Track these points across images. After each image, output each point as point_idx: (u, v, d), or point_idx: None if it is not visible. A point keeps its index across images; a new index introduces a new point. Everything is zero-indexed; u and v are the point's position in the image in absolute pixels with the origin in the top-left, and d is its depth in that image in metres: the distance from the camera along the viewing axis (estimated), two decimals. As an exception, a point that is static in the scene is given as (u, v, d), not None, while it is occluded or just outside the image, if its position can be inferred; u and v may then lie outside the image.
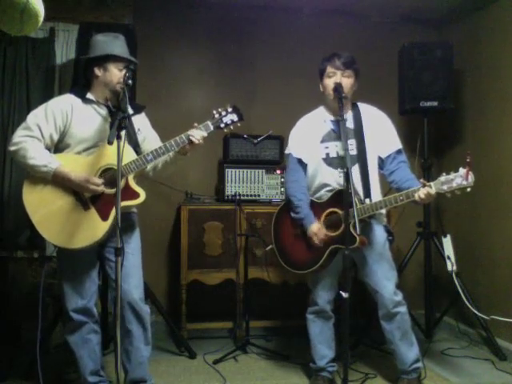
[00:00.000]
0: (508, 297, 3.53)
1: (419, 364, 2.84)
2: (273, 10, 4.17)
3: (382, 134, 2.77)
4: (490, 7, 3.82)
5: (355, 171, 2.69)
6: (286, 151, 2.95)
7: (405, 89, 3.77)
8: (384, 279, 2.73)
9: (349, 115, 2.79)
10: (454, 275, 3.53)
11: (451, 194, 2.41)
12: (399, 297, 2.76)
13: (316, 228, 2.71)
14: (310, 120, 2.90)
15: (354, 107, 2.82)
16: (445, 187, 2.40)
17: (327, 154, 2.77)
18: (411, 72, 3.73)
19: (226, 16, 4.14)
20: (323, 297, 2.84)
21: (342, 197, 2.54)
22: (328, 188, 2.76)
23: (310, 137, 2.83)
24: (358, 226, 2.29)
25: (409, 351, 2.80)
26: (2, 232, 3.55)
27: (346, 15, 4.23)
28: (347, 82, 2.70)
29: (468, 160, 2.32)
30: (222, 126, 2.54)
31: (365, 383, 2.99)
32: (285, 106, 4.17)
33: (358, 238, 2.53)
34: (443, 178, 2.41)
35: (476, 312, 3.48)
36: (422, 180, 2.49)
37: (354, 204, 2.34)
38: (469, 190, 2.36)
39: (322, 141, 2.79)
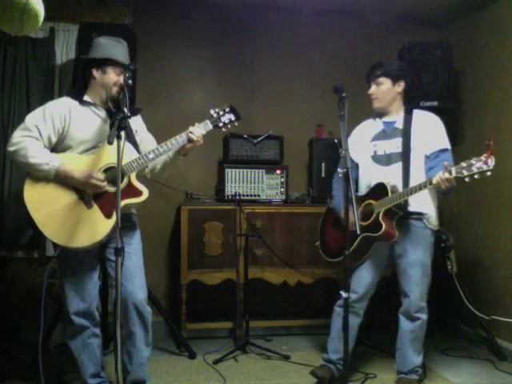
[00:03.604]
0: (508, 297, 3.53)
1: (420, 369, 2.87)
2: (273, 10, 4.17)
3: (429, 133, 2.84)
4: (489, 7, 3.82)
5: (397, 168, 2.80)
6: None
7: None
8: (414, 284, 2.79)
9: (399, 117, 2.90)
10: (453, 275, 3.53)
11: (470, 179, 2.40)
12: (424, 303, 2.82)
13: (344, 213, 2.76)
14: (365, 123, 3.06)
15: (409, 112, 2.92)
16: (465, 172, 2.41)
17: (375, 152, 2.90)
18: (411, 72, 3.73)
19: (225, 16, 4.14)
20: (358, 293, 2.85)
21: (379, 190, 2.74)
22: (374, 184, 2.84)
23: (362, 137, 2.98)
24: (357, 225, 2.30)
25: (413, 357, 2.83)
26: (2, 232, 3.55)
27: (346, 15, 4.23)
28: (382, 88, 2.87)
29: (487, 142, 2.33)
30: (221, 125, 2.58)
31: (365, 383, 2.99)
32: (285, 106, 4.18)
33: (383, 226, 2.64)
34: (464, 163, 2.43)
35: (476, 312, 3.48)
36: (446, 163, 2.51)
37: (354, 203, 2.34)
38: (489, 174, 2.36)
39: (372, 139, 2.93)
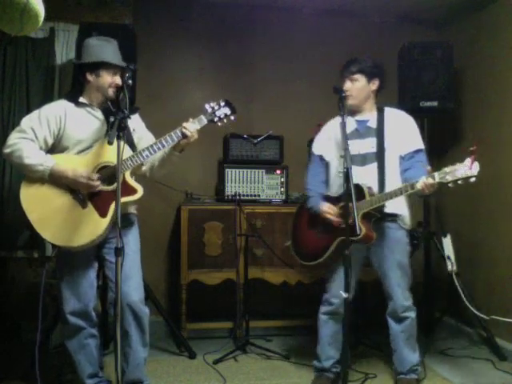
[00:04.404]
0: (508, 297, 3.53)
1: (418, 367, 2.88)
2: (273, 10, 4.17)
3: (402, 133, 2.81)
4: (489, 7, 3.82)
5: (373, 169, 2.75)
6: (311, 150, 3.07)
7: (405, 89, 3.77)
8: (396, 285, 2.78)
9: (373, 116, 2.86)
10: (453, 275, 3.53)
11: (453, 184, 2.38)
12: (409, 302, 2.80)
13: (326, 206, 2.78)
14: (335, 121, 2.97)
15: (380, 110, 2.88)
16: (448, 177, 2.38)
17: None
18: (411, 72, 3.73)
19: (225, 16, 4.14)
20: (340, 298, 2.82)
21: (356, 192, 2.59)
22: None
23: (333, 135, 2.90)
24: (357, 225, 2.30)
25: (410, 355, 2.83)
26: (1, 232, 3.55)
27: (346, 15, 4.23)
28: (356, 85, 2.80)
29: (471, 149, 2.29)
30: (216, 119, 2.56)
31: (365, 383, 2.99)
32: (285, 106, 4.17)
33: (362, 229, 2.55)
34: (448, 168, 2.40)
35: (476, 312, 3.48)
36: (428, 168, 2.50)
37: (354, 203, 2.34)
38: (473, 180, 2.31)
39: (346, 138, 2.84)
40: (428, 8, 4.09)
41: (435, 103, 3.71)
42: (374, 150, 2.79)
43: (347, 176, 2.39)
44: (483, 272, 3.82)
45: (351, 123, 2.87)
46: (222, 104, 2.57)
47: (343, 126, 2.61)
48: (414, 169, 2.71)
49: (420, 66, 3.72)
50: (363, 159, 2.79)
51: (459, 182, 2.35)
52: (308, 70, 4.19)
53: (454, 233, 3.74)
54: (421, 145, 2.81)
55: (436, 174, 2.43)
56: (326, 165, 2.93)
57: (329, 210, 2.77)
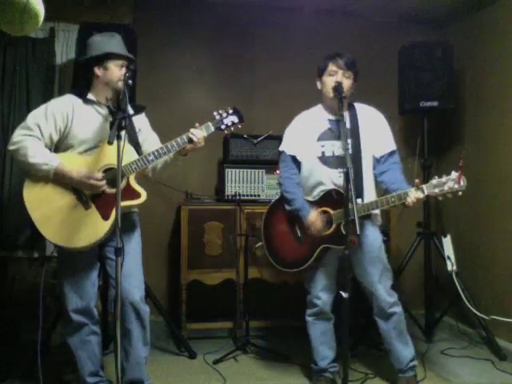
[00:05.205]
0: (508, 297, 3.53)
1: (415, 362, 2.87)
2: (273, 10, 4.17)
3: (377, 134, 2.78)
4: (489, 7, 3.82)
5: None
6: (280, 148, 2.94)
7: (405, 89, 3.77)
8: (377, 282, 2.75)
9: (345, 115, 2.77)
10: (453, 275, 3.53)
11: (443, 197, 2.41)
12: (394, 298, 2.78)
13: (314, 216, 2.70)
14: (306, 118, 2.90)
15: (351, 107, 2.83)
16: (436, 190, 2.40)
17: (323, 153, 2.77)
18: (411, 72, 3.73)
19: (226, 16, 4.14)
20: (322, 298, 2.84)
21: (333, 196, 2.62)
22: (322, 187, 2.75)
23: (306, 134, 2.83)
24: (357, 226, 2.30)
25: (404, 350, 2.82)
26: (1, 232, 3.55)
27: (346, 15, 4.23)
28: (347, 82, 2.72)
29: (460, 164, 2.32)
30: (223, 127, 2.56)
31: (365, 383, 2.99)
32: (285, 106, 4.15)
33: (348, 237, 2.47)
34: (435, 181, 2.41)
35: (476, 312, 3.48)
36: (417, 180, 2.49)
37: (354, 204, 2.34)
38: (460, 193, 2.36)
39: (319, 139, 2.79)
40: (428, 8, 4.09)
41: (435, 103, 3.71)
42: (349, 151, 2.65)
43: (347, 177, 2.38)
44: (483, 272, 3.82)
45: (323, 122, 2.80)
46: (230, 112, 2.56)
47: (343, 125, 2.60)
48: (391, 171, 2.70)
49: (420, 66, 3.72)
50: (339, 161, 2.69)
51: (448, 195, 2.38)
52: (308, 69, 4.16)
53: (453, 233, 3.75)
54: (394, 145, 2.79)
55: (424, 187, 2.43)
56: (299, 164, 2.85)
57: (315, 221, 2.68)
